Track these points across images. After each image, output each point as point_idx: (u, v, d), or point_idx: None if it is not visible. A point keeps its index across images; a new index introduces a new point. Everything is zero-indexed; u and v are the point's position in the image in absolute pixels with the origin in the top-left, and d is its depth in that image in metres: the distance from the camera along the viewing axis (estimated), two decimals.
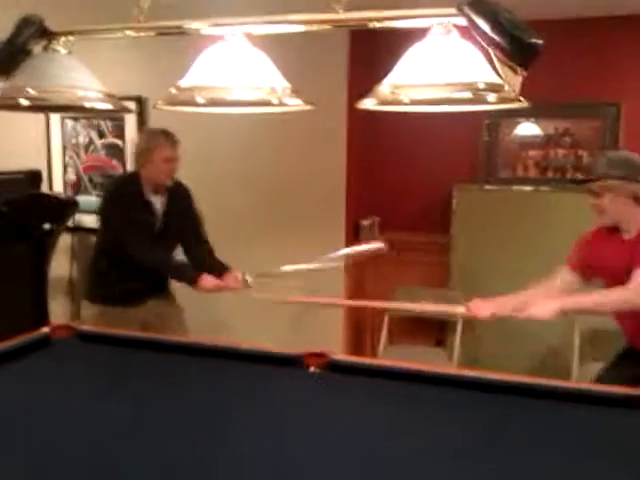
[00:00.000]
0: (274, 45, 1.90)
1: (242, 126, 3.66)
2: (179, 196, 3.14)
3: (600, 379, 2.46)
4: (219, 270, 3.00)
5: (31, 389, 2.10)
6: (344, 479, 1.53)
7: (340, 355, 2.34)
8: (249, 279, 2.89)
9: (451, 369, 2.18)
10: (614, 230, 2.46)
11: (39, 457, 1.63)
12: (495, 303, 2.47)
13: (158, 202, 3.05)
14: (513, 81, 1.63)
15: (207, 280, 2.89)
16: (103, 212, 3.10)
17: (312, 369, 2.21)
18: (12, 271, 3.68)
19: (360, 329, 4.13)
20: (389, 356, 3.57)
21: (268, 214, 3.89)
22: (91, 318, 3.08)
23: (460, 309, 2.54)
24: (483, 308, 2.45)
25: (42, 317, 3.41)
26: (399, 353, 3.65)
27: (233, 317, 3.90)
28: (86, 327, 2.59)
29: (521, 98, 1.63)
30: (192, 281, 2.90)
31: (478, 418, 1.86)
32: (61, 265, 4.29)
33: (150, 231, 3.01)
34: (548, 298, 2.36)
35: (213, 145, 3.95)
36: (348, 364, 2.23)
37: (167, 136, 3.03)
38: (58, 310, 4.25)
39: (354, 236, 3.94)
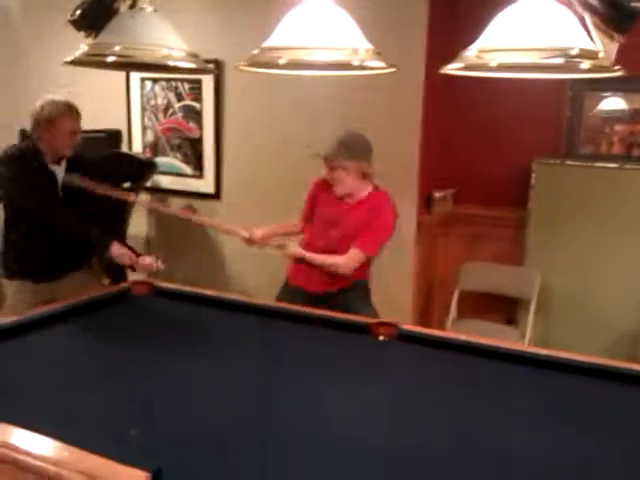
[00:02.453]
0: (352, 6, 1.86)
1: (314, 91, 3.64)
2: (80, 168, 2.97)
3: None
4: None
5: (109, 339, 2.19)
6: (410, 447, 1.53)
7: (409, 325, 2.33)
8: (162, 266, 2.84)
9: (522, 346, 2.12)
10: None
11: (114, 398, 1.70)
12: (267, 232, 2.92)
13: (59, 172, 2.92)
14: (608, 48, 1.55)
15: (120, 249, 2.80)
16: (5, 184, 2.90)
17: (381, 337, 2.22)
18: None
19: (429, 303, 4.09)
20: (458, 330, 3.52)
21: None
22: (11, 295, 2.96)
23: (242, 232, 2.88)
24: (258, 239, 2.87)
25: (120, 273, 3.46)
26: (468, 328, 3.60)
27: None
28: (164, 284, 2.67)
29: (617, 67, 1.55)
30: (106, 244, 2.80)
31: (550, 395, 1.83)
32: (139, 224, 4.40)
33: (54, 200, 2.89)
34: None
35: (282, 110, 3.94)
36: (417, 334, 2.22)
37: (71, 108, 2.88)
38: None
39: (426, 208, 3.89)
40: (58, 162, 2.92)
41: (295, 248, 2.82)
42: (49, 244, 2.89)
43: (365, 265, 2.84)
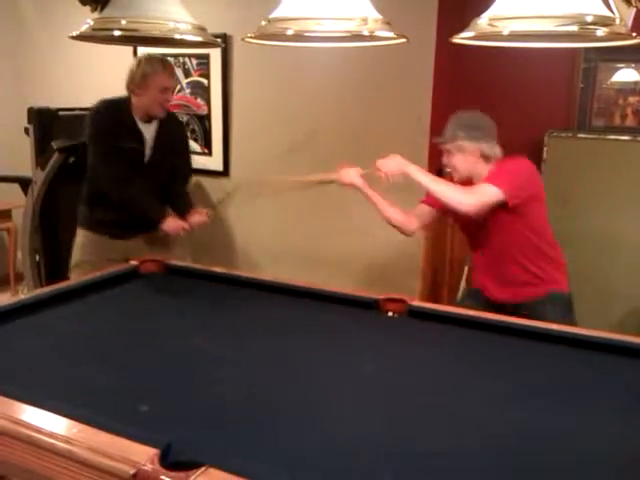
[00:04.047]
0: None
1: (323, 65, 3.60)
2: (171, 128, 3.03)
3: None
4: (188, 211, 2.99)
5: (119, 315, 2.20)
6: (416, 422, 1.52)
7: (418, 301, 2.32)
8: (210, 212, 2.97)
9: (529, 321, 2.11)
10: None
11: (124, 375, 1.70)
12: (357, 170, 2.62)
13: (148, 132, 2.94)
14: (625, 14, 1.51)
15: (170, 223, 2.89)
16: (91, 137, 2.94)
17: (390, 314, 2.21)
18: None
19: (438, 278, 4.07)
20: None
21: (346, 154, 3.83)
22: (79, 245, 3.06)
23: (333, 176, 2.67)
24: (348, 175, 2.62)
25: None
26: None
27: (318, 261, 3.93)
28: (173, 262, 2.67)
29: (634, 34, 1.50)
30: (158, 222, 2.89)
31: (560, 370, 1.81)
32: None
33: (139, 162, 2.93)
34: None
35: (291, 85, 3.90)
36: (426, 310, 2.20)
37: (165, 64, 2.90)
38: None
39: None
40: (149, 121, 2.92)
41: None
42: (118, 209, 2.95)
43: (559, 272, 2.60)
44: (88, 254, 3.01)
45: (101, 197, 2.98)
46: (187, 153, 3.23)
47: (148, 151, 2.94)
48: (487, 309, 2.43)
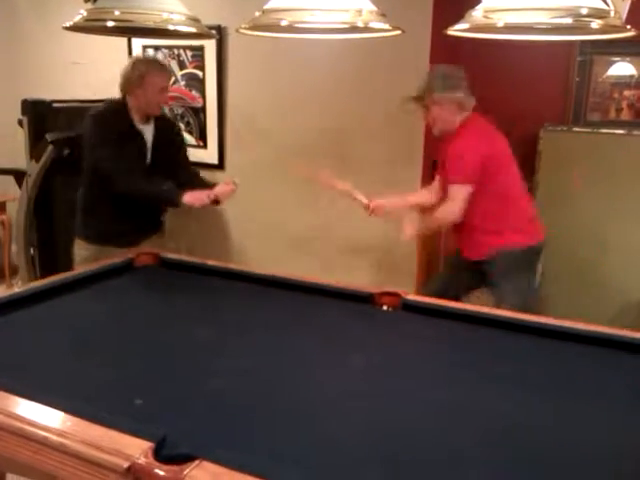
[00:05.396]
0: None
1: (318, 56, 3.59)
2: (166, 126, 3.04)
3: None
4: (208, 187, 2.90)
5: (113, 308, 2.19)
6: (411, 415, 1.53)
7: (413, 295, 2.32)
8: (237, 180, 2.86)
9: (525, 315, 2.11)
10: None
11: (118, 368, 1.70)
12: (388, 206, 2.95)
13: (148, 132, 2.93)
14: (620, 7, 1.50)
15: (191, 195, 2.77)
16: (91, 142, 2.87)
17: (385, 307, 2.21)
18: None
19: (434, 272, 4.07)
20: (463, 300, 3.51)
21: (342, 146, 3.84)
22: (84, 258, 2.96)
23: (364, 200, 2.93)
24: (379, 209, 2.92)
25: None
26: (475, 297, 3.58)
27: (315, 254, 3.93)
28: (169, 255, 2.66)
29: (628, 26, 1.50)
30: (178, 201, 2.78)
31: (555, 364, 1.82)
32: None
33: (142, 162, 2.91)
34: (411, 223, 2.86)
35: (286, 77, 3.89)
36: (421, 304, 2.20)
37: (162, 65, 2.92)
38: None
39: (431, 174, 3.84)
40: (147, 121, 2.92)
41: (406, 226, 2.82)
42: (128, 211, 2.92)
43: (514, 228, 2.80)
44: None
45: (103, 206, 2.94)
46: (183, 145, 3.21)
47: (149, 152, 2.94)
48: (467, 266, 2.89)
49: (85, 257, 2.98)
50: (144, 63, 2.89)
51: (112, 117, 2.89)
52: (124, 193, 2.82)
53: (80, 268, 2.89)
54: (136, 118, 2.89)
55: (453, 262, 3.14)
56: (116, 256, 2.62)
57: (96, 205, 2.98)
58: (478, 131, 2.72)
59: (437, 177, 2.99)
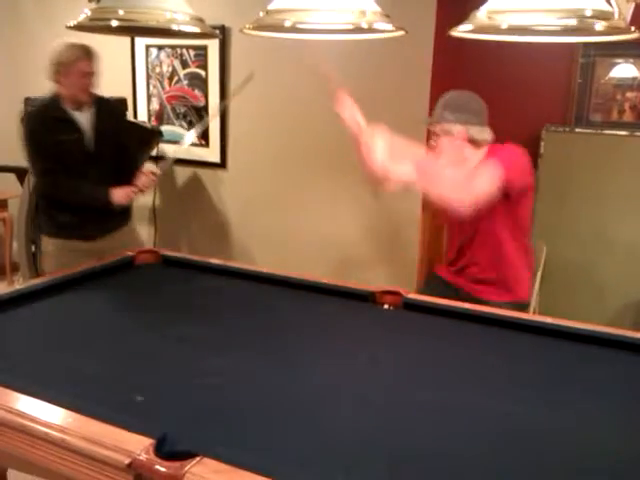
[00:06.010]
0: None
1: (322, 55, 3.58)
2: (108, 112, 2.99)
3: None
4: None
5: (114, 306, 2.19)
6: (411, 415, 1.53)
7: (414, 294, 2.32)
8: (156, 170, 2.91)
9: (525, 315, 2.11)
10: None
11: (120, 365, 1.70)
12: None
13: (84, 120, 2.88)
14: (624, 8, 1.50)
15: (117, 193, 2.81)
16: (24, 140, 2.86)
17: (386, 306, 2.21)
18: None
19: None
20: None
21: (343, 144, 3.83)
22: (48, 253, 2.98)
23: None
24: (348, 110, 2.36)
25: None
26: None
27: (317, 253, 3.93)
28: (169, 252, 2.67)
29: (632, 28, 1.50)
30: (107, 201, 2.81)
31: (554, 364, 1.82)
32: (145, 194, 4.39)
33: (81, 152, 2.87)
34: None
35: (289, 77, 3.89)
36: (421, 303, 2.20)
37: (84, 49, 2.85)
38: (142, 236, 4.38)
39: None
40: (80, 109, 2.89)
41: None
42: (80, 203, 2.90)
43: (520, 281, 2.49)
44: (61, 263, 2.83)
45: (57, 202, 2.93)
46: (135, 126, 3.19)
47: (90, 140, 2.89)
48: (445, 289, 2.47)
49: (49, 252, 3.00)
50: (67, 49, 2.83)
51: (42, 110, 2.89)
52: (52, 197, 2.85)
53: (46, 263, 3.00)
54: (69, 106, 2.86)
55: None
56: (81, 251, 2.70)
57: (50, 201, 2.97)
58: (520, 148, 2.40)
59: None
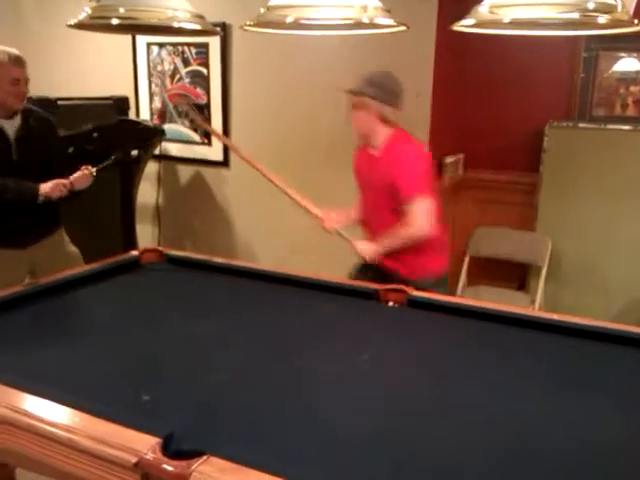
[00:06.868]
0: None
1: (323, 53, 3.58)
2: (36, 123, 2.88)
3: None
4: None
5: (119, 306, 2.20)
6: (416, 412, 1.53)
7: (418, 292, 2.32)
8: (93, 169, 2.82)
9: (531, 311, 2.11)
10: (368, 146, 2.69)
11: (126, 364, 1.70)
12: (340, 219, 2.81)
13: (11, 128, 2.78)
14: (627, 1, 1.50)
15: (47, 185, 2.70)
16: None
17: (390, 304, 2.21)
18: (102, 196, 3.78)
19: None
20: (468, 297, 3.51)
21: (345, 139, 3.83)
22: None
23: (316, 211, 2.86)
24: (331, 223, 2.80)
25: (131, 241, 3.40)
26: (478, 294, 3.58)
27: (321, 251, 3.92)
28: (173, 252, 2.67)
29: (636, 21, 1.49)
30: (35, 194, 2.70)
31: (559, 360, 1.82)
32: (148, 192, 4.39)
33: (6, 159, 2.75)
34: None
35: (291, 73, 3.89)
36: (426, 300, 2.20)
37: (11, 56, 2.77)
38: (146, 235, 4.39)
39: (437, 173, 3.84)
40: (11, 117, 2.79)
41: (364, 247, 2.67)
42: (14, 210, 2.78)
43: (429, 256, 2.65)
44: None
45: None
46: (59, 152, 3.04)
47: (13, 150, 2.79)
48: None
49: None
50: None
51: None
52: None
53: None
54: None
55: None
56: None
57: None
58: (413, 141, 2.67)
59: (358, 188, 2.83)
